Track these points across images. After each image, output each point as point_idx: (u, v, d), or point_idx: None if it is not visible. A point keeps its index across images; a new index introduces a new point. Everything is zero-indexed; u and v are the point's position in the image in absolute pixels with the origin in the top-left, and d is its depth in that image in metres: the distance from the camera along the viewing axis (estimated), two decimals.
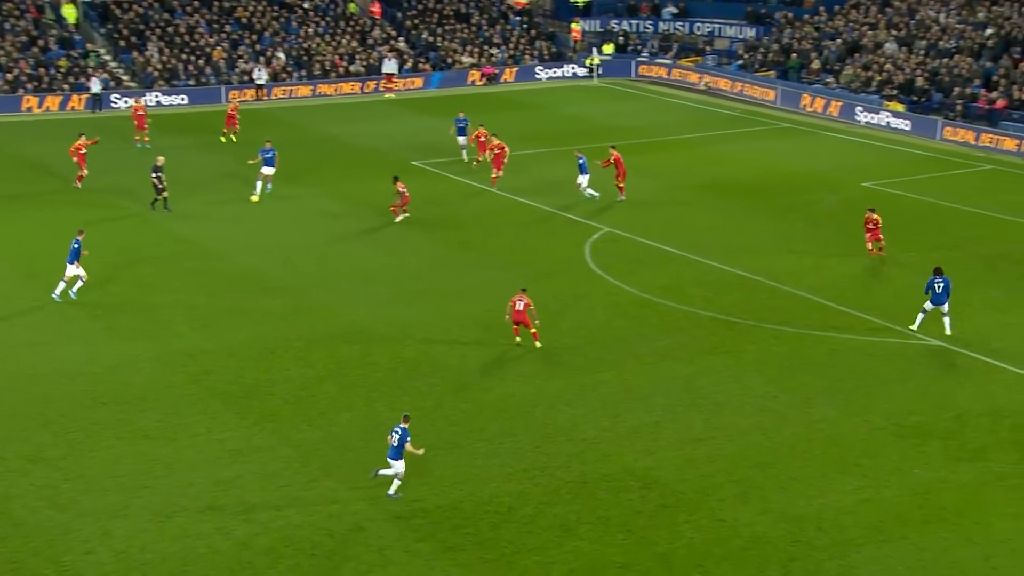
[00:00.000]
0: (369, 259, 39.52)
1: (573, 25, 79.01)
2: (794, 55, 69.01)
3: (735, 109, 65.52)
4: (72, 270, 34.63)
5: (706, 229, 41.94)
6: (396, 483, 24.11)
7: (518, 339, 31.66)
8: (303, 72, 71.06)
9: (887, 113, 60.22)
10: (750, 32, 75.58)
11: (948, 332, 32.08)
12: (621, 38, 78.90)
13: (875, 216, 38.85)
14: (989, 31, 63.06)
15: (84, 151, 46.76)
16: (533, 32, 78.64)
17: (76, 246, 34.74)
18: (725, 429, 27.07)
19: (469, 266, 38.65)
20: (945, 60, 62.36)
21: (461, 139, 51.71)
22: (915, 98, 60.84)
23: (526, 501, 24.11)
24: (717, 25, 78.14)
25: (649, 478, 24.91)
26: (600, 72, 75.04)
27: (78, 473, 25.03)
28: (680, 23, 79.44)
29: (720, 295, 35.57)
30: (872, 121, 60.49)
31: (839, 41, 68.65)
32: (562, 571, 21.70)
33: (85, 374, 30.04)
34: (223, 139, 55.79)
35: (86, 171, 46.78)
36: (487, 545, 22.55)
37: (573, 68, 75.85)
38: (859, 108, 61.72)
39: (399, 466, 24.02)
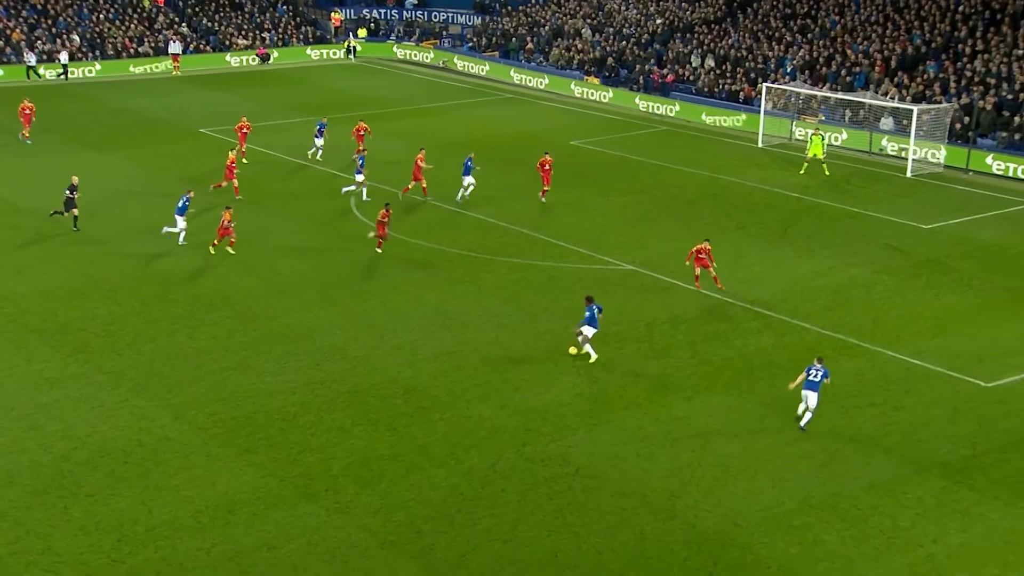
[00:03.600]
0: (164, 213, 37.68)
1: (333, 13, 77.30)
2: (513, 39, 69.53)
3: (467, 83, 65.55)
4: (180, 222, 33.56)
5: (448, 182, 41.86)
6: (809, 416, 22.89)
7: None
8: (97, 53, 66.92)
9: (587, 86, 61.46)
10: (477, 20, 75.69)
11: (592, 358, 26.25)
12: (373, 24, 77.72)
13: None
14: (659, 20, 65.15)
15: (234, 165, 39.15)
16: (298, 19, 76.41)
17: (185, 203, 33.70)
18: (470, 343, 27.29)
19: (253, 217, 37.36)
20: (628, 43, 64.09)
21: (319, 140, 44.99)
22: (607, 73, 62.34)
23: (308, 409, 23.74)
24: (451, 13, 78.00)
25: (410, 386, 24.92)
26: (356, 52, 73.73)
27: None
28: (420, 12, 78.94)
29: (462, 235, 35.69)
30: (576, 93, 61.67)
31: (547, 27, 69.54)
32: (340, 465, 21.52)
33: None
34: (244, 160, 43.92)
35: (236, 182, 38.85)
36: (277, 447, 22.13)
37: (334, 49, 74.17)
38: (565, 82, 62.75)
39: (814, 399, 22.78)
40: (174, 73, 66.62)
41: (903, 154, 45.46)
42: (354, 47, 73.39)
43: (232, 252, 33.05)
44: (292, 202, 39.41)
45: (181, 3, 73.70)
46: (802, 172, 44.00)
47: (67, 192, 35.24)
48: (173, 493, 20.39)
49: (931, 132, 45.09)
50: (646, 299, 30.39)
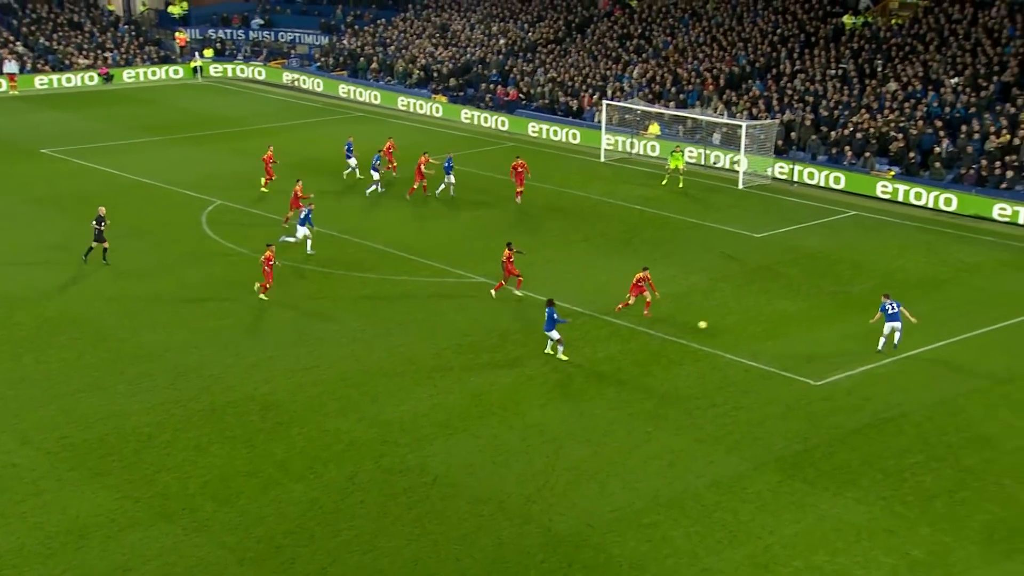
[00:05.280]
0: (8, 235, 35.95)
1: (178, 33, 75.03)
2: (361, 58, 69.06)
3: (317, 101, 64.78)
4: (302, 231, 34.09)
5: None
6: (899, 336, 26.94)
7: None
8: None
9: (434, 104, 61.58)
10: (324, 40, 74.84)
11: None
12: (219, 44, 75.84)
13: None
14: (502, 41, 65.86)
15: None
16: (142, 39, 73.98)
17: (307, 213, 34.34)
18: (326, 358, 26.94)
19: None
20: (473, 63, 64.49)
21: (352, 160, 44.64)
22: (454, 92, 62.59)
23: (164, 429, 22.99)
24: (297, 34, 76.89)
25: (267, 402, 24.42)
26: (203, 72, 71.82)
27: None
28: (267, 32, 77.51)
29: (317, 251, 35.13)
30: (424, 110, 61.66)
31: (393, 47, 69.37)
32: (197, 483, 20.92)
33: None
34: (265, 189, 42.43)
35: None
36: (131, 468, 21.36)
37: (179, 69, 72.05)
38: (413, 100, 62.66)
39: (899, 326, 26.98)
40: (11, 92, 63.61)
41: (734, 167, 47.18)
42: (199, 67, 71.49)
43: (263, 296, 30.55)
44: (142, 222, 38.10)
45: (16, 22, 70.42)
46: (663, 183, 45.37)
47: (94, 224, 32.79)
48: (20, 520, 19.42)
49: (758, 146, 47.00)
50: (500, 310, 30.57)
